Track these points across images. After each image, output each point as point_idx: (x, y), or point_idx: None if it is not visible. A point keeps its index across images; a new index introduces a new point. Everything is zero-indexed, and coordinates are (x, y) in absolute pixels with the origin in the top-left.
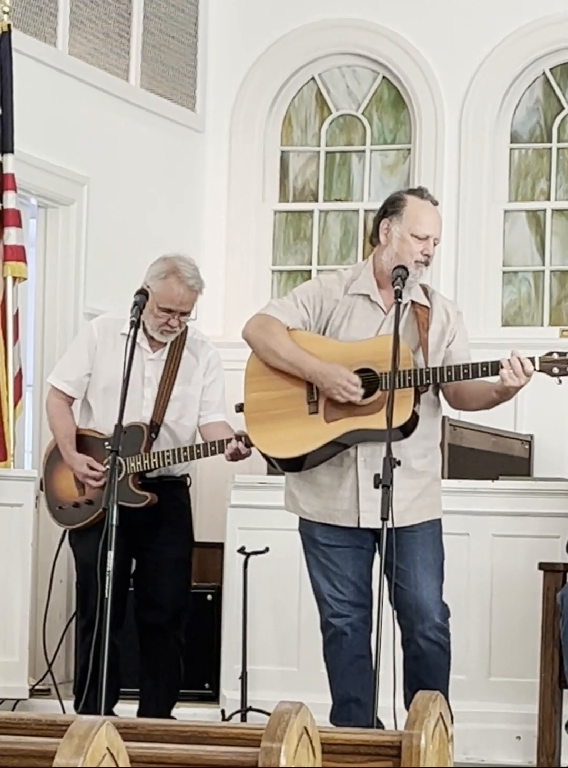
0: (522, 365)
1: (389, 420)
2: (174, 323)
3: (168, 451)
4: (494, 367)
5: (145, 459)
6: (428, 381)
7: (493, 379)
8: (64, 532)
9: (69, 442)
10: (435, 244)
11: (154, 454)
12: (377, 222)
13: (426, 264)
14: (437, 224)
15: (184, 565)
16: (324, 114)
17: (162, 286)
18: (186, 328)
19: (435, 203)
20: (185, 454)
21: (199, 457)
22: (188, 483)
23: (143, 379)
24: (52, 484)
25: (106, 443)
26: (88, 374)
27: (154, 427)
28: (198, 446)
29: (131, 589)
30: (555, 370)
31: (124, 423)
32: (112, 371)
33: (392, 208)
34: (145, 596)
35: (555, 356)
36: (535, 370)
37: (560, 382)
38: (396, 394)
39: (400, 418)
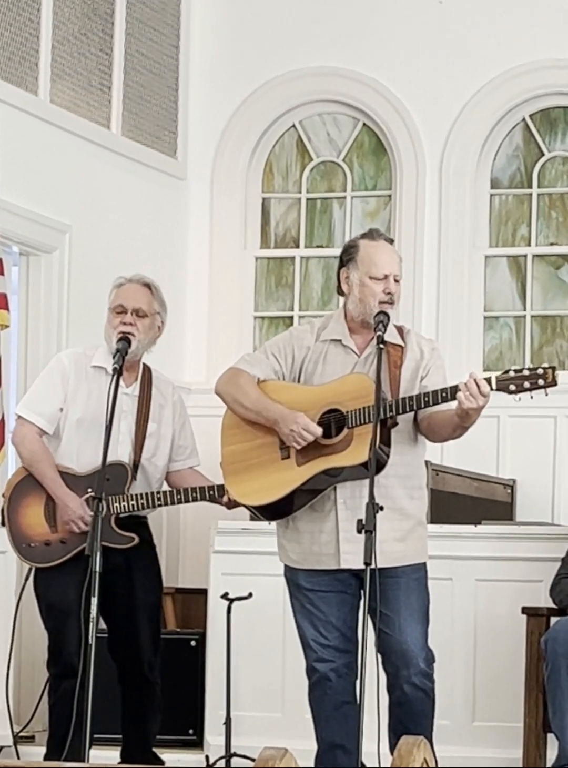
0: (478, 386)
1: (372, 466)
2: (127, 320)
3: (159, 493)
4: (453, 392)
5: (133, 500)
6: (391, 412)
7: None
8: (29, 570)
9: (60, 481)
10: (396, 281)
11: (142, 495)
12: (337, 273)
13: (391, 303)
14: (392, 262)
15: (158, 609)
16: (305, 161)
17: (113, 293)
18: (150, 370)
19: (389, 241)
20: (179, 496)
21: (195, 500)
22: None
23: (120, 412)
24: (20, 519)
25: (89, 489)
26: (61, 408)
27: (136, 466)
28: (194, 489)
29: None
30: (512, 387)
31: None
32: (86, 404)
33: (346, 256)
34: (124, 644)
35: (511, 374)
36: (492, 389)
37: (518, 399)
38: (360, 431)
39: (363, 455)
